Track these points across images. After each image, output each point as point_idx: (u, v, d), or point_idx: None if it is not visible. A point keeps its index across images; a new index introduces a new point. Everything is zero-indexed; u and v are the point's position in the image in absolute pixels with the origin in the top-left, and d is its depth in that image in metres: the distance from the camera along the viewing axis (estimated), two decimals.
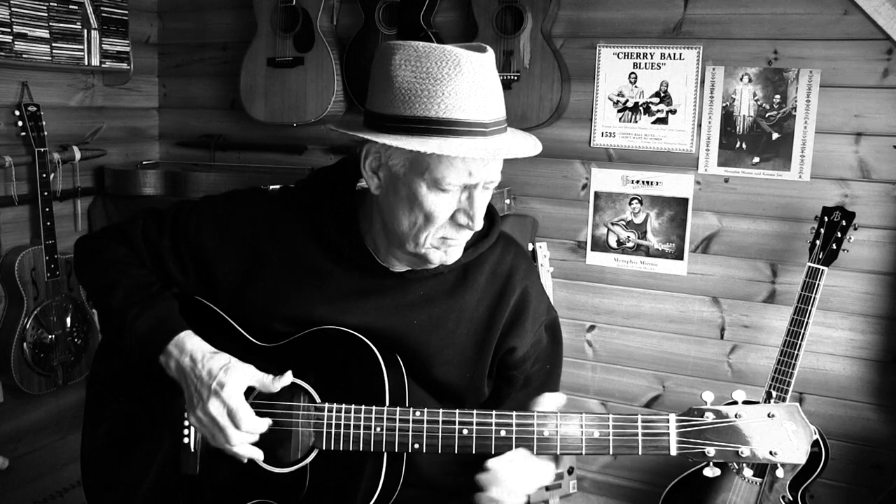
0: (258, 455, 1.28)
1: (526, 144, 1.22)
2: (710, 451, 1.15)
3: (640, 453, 1.17)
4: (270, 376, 1.28)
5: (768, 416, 1.14)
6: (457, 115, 1.15)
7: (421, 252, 1.25)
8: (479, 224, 1.22)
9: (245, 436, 1.25)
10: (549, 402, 1.24)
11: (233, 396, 1.25)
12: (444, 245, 1.25)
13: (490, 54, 1.19)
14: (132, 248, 1.41)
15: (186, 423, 1.33)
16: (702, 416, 1.16)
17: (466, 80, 1.15)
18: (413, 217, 1.22)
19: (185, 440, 1.33)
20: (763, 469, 2.31)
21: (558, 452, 1.19)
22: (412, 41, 1.19)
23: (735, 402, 1.17)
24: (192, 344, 1.30)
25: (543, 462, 1.26)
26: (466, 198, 1.20)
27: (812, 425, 1.15)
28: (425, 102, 1.15)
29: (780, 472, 1.20)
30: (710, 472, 1.16)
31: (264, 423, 1.27)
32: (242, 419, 1.24)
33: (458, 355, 1.34)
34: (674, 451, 1.16)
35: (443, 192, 1.19)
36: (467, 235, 1.26)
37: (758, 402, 1.17)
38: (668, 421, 1.16)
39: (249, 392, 1.30)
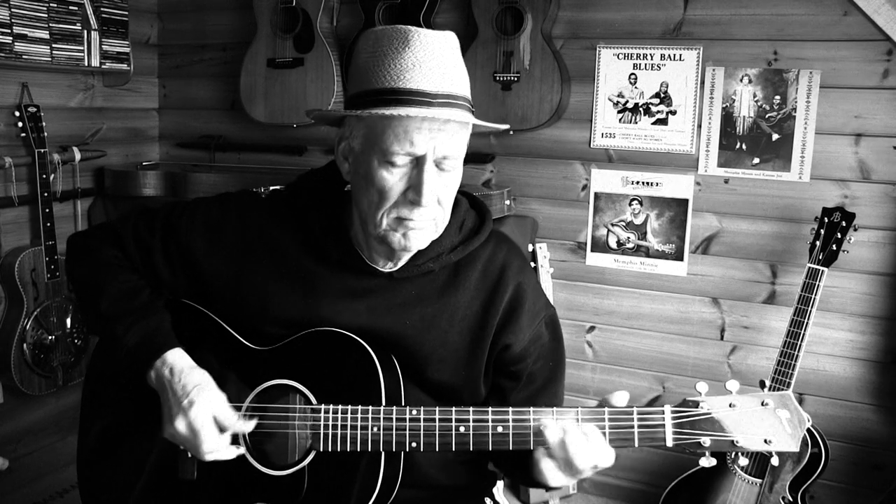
0: (238, 452, 1.29)
1: (471, 117, 1.21)
2: (706, 440, 1.15)
3: (636, 445, 1.17)
4: (235, 416, 1.28)
5: (762, 404, 1.14)
6: (400, 84, 1.17)
7: (381, 233, 1.24)
8: (426, 201, 1.19)
9: (210, 454, 1.26)
10: (619, 398, 1.21)
11: (198, 417, 1.24)
12: (401, 227, 1.22)
13: (448, 35, 1.22)
14: (123, 248, 1.41)
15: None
16: (696, 407, 1.16)
17: (413, 52, 1.18)
18: (370, 195, 1.23)
19: (166, 436, 1.33)
20: (763, 469, 2.31)
21: None
22: (377, 27, 1.22)
23: (729, 392, 1.17)
24: (173, 358, 1.31)
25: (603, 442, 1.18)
26: (416, 174, 1.19)
27: (805, 413, 1.15)
28: (374, 76, 1.20)
29: (774, 461, 1.20)
30: (707, 462, 1.16)
31: (225, 441, 1.27)
32: (203, 441, 1.24)
33: (452, 355, 1.34)
34: (669, 443, 1.16)
35: (391, 165, 1.19)
36: (424, 217, 1.22)
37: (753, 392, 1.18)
38: (663, 413, 1.16)
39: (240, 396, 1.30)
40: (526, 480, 1.34)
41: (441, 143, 1.18)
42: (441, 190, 1.22)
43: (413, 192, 1.19)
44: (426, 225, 1.24)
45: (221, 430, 1.27)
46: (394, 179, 1.20)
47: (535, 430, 1.19)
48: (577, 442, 1.16)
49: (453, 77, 1.21)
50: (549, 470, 1.18)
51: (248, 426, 1.28)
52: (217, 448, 1.26)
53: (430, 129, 1.17)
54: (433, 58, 1.19)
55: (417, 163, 1.19)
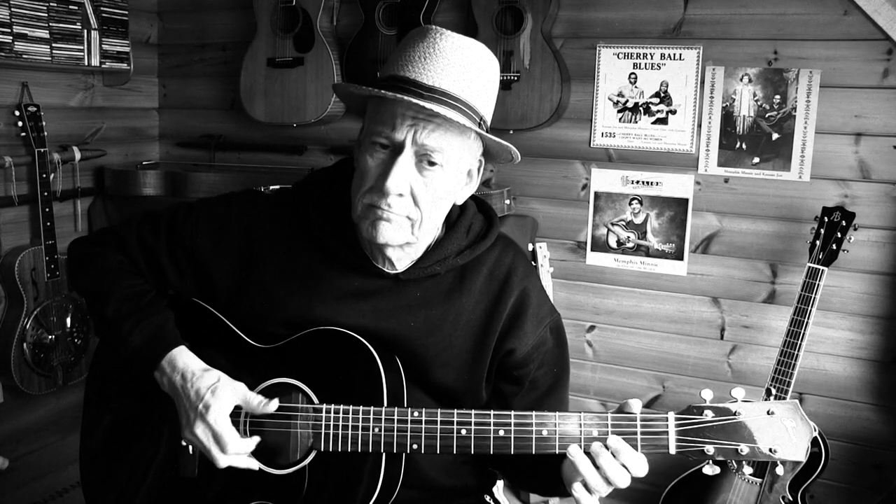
0: (253, 465, 1.28)
1: (453, 113, 1.17)
2: (710, 449, 1.14)
3: (638, 452, 1.16)
4: (258, 398, 1.27)
5: (768, 413, 1.13)
6: (400, 73, 1.20)
7: (356, 219, 1.25)
8: (390, 188, 1.18)
9: (232, 458, 1.26)
10: (635, 405, 1.20)
11: (217, 420, 1.24)
12: (372, 215, 1.22)
13: (478, 44, 1.23)
14: (127, 253, 1.41)
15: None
16: (701, 414, 1.15)
17: (424, 45, 1.20)
18: (355, 179, 1.25)
19: (184, 443, 1.33)
20: (763, 469, 2.31)
21: (556, 451, 1.18)
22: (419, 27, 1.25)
23: (734, 401, 1.16)
24: (183, 361, 1.30)
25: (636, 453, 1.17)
26: (391, 161, 1.19)
27: (812, 423, 1.14)
28: (388, 65, 1.24)
29: (780, 470, 1.19)
30: (710, 469, 1.16)
31: (251, 443, 1.28)
32: (228, 444, 1.24)
33: (455, 358, 1.33)
34: (673, 450, 1.15)
35: (374, 149, 1.21)
36: (393, 209, 1.20)
37: (758, 401, 1.17)
38: (666, 419, 1.16)
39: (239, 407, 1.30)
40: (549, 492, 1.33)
41: (422, 133, 1.18)
42: (418, 187, 1.21)
43: (381, 178, 1.20)
44: (397, 220, 1.22)
45: (247, 415, 1.28)
46: (373, 164, 1.21)
47: (539, 434, 1.18)
48: (610, 465, 1.15)
49: (458, 78, 1.20)
50: (585, 498, 1.17)
51: (272, 406, 1.27)
52: (240, 450, 1.26)
53: (413, 118, 1.18)
54: (441, 54, 1.20)
55: (395, 150, 1.20)
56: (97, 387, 1.48)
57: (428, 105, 1.15)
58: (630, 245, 2.81)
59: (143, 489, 1.37)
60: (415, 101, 1.15)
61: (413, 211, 1.23)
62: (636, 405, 1.18)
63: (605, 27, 2.75)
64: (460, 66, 1.20)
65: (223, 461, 1.25)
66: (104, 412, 1.44)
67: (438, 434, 1.20)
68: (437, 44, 1.20)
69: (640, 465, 1.16)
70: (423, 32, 1.22)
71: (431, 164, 1.20)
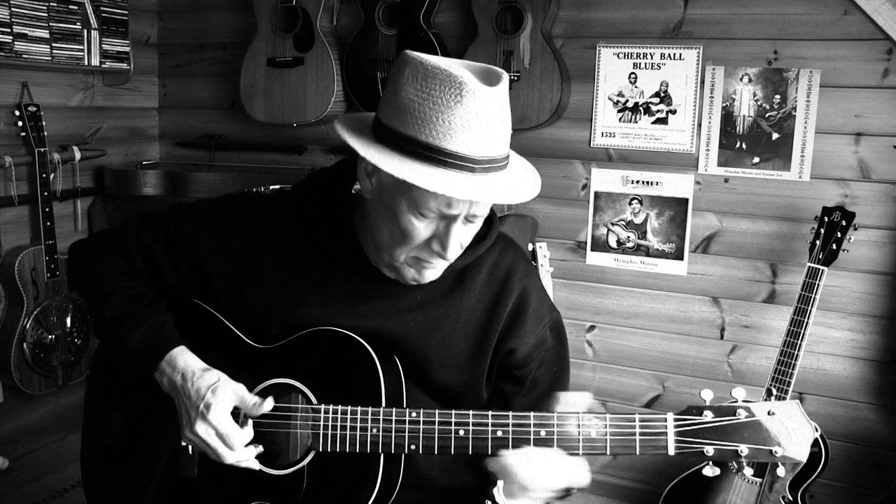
0: (254, 465, 1.29)
1: (512, 188, 1.18)
2: (709, 450, 1.13)
3: (637, 453, 1.16)
4: (254, 399, 1.28)
5: (768, 413, 1.12)
6: (445, 145, 1.13)
7: (396, 265, 1.24)
8: (451, 255, 1.20)
9: (239, 454, 1.26)
10: (579, 400, 1.21)
11: (220, 419, 1.25)
12: (417, 265, 1.24)
13: (500, 87, 1.16)
14: (126, 255, 1.40)
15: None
16: (700, 415, 1.14)
17: (464, 111, 1.12)
18: (392, 231, 1.21)
19: (184, 443, 1.33)
20: (763, 469, 2.31)
21: None
22: (427, 56, 1.15)
23: (735, 401, 1.16)
24: (183, 361, 1.30)
25: (568, 460, 1.19)
26: (444, 227, 1.18)
27: (813, 423, 1.14)
28: (419, 124, 1.13)
29: (780, 471, 1.19)
30: (710, 471, 1.15)
31: (254, 445, 1.28)
32: (234, 442, 1.25)
33: (455, 358, 1.33)
34: (672, 451, 1.15)
35: (421, 216, 1.17)
36: (443, 263, 1.24)
37: (757, 401, 1.16)
38: (665, 420, 1.15)
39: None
40: None
41: (476, 206, 1.18)
42: (464, 237, 1.22)
43: (438, 245, 1.19)
44: (443, 266, 1.26)
45: (244, 416, 1.28)
46: (421, 226, 1.18)
47: (536, 435, 1.18)
48: (528, 468, 1.17)
49: (498, 138, 1.18)
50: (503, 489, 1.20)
51: (268, 405, 1.28)
52: (245, 449, 1.26)
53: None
54: (483, 119, 1.14)
55: (447, 217, 1.18)
56: (98, 386, 1.48)
57: (490, 197, 1.14)
58: (630, 245, 2.81)
59: (147, 489, 1.38)
60: (483, 197, 1.13)
61: (456, 255, 1.25)
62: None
63: (605, 27, 2.75)
64: (498, 122, 1.17)
65: (231, 458, 1.25)
66: (105, 412, 1.44)
67: (436, 435, 1.20)
68: (477, 106, 1.13)
69: (557, 479, 1.19)
70: (454, 89, 1.12)
71: (476, 218, 1.22)
